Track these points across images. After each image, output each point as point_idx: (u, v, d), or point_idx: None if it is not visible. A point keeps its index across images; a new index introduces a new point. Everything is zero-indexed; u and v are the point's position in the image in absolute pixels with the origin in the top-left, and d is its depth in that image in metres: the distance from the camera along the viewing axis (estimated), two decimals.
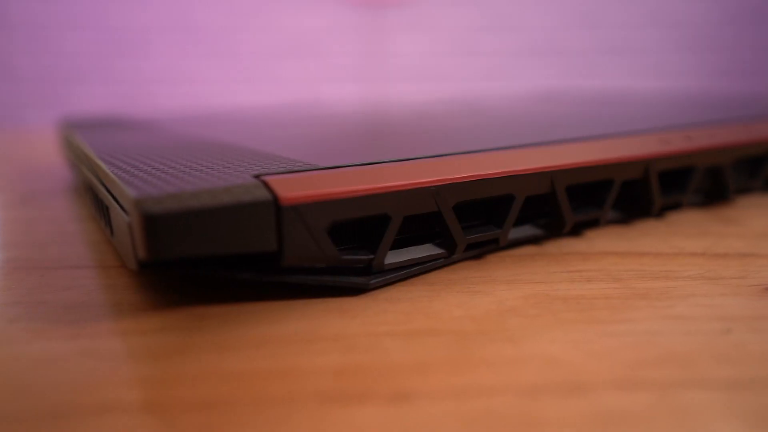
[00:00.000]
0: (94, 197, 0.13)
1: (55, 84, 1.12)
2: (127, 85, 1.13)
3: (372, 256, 0.09)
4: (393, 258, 0.10)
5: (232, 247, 0.08)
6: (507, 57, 1.14)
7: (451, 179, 0.10)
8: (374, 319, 0.09)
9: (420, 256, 0.10)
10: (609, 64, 1.12)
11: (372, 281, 0.10)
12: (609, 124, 0.15)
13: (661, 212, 0.14)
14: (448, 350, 0.08)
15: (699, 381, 0.07)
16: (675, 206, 0.14)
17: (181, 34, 1.13)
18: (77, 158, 0.16)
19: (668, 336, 0.08)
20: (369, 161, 0.10)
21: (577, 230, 0.13)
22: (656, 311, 0.09)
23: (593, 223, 0.13)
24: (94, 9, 1.10)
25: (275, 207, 0.08)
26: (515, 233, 0.11)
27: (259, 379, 0.07)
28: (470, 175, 0.10)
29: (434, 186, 0.10)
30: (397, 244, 0.10)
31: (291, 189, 0.09)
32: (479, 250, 0.11)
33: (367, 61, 1.14)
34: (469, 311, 0.09)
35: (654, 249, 0.12)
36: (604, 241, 0.12)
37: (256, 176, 0.09)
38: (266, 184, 0.09)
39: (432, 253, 0.10)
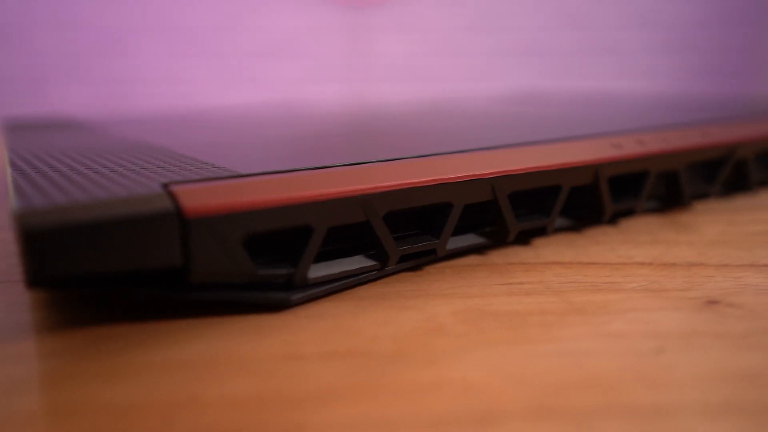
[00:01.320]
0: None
1: (32, 84, 1.09)
2: (105, 85, 1.11)
3: (294, 270, 0.09)
4: (318, 271, 0.09)
5: (131, 263, 0.08)
6: (492, 57, 1.14)
7: (380, 187, 0.09)
8: (289, 339, 0.08)
9: (348, 269, 0.10)
10: (594, 64, 1.13)
11: (293, 297, 0.09)
12: (564, 127, 0.14)
13: (614, 219, 0.14)
14: (359, 375, 0.07)
15: (620, 409, 0.06)
16: (629, 213, 0.14)
17: (162, 34, 1.11)
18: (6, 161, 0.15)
19: (597, 357, 0.08)
20: (295, 167, 0.09)
21: (524, 238, 0.12)
22: (590, 328, 0.08)
23: (543, 231, 0.12)
24: (72, 8, 1.08)
25: (179, 219, 0.08)
26: (455, 243, 0.11)
27: (140, 412, 0.07)
28: (402, 182, 0.10)
29: (362, 195, 0.09)
30: (327, 256, 0.10)
31: (200, 199, 0.08)
32: (417, 261, 0.11)
33: (352, 61, 1.13)
34: (394, 330, 0.08)
35: (601, 258, 0.11)
36: (551, 250, 0.12)
37: (166, 184, 0.08)
38: (172, 194, 0.08)
39: (362, 266, 0.10)
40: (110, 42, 1.11)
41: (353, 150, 0.11)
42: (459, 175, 0.10)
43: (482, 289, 0.10)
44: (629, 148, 0.13)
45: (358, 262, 0.10)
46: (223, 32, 1.12)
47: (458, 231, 0.11)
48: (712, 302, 0.09)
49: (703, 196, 0.15)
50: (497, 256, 0.11)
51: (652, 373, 0.07)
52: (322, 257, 0.10)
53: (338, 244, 0.10)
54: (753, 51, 1.12)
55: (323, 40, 1.13)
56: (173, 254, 0.08)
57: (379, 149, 0.11)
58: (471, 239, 0.11)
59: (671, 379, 0.07)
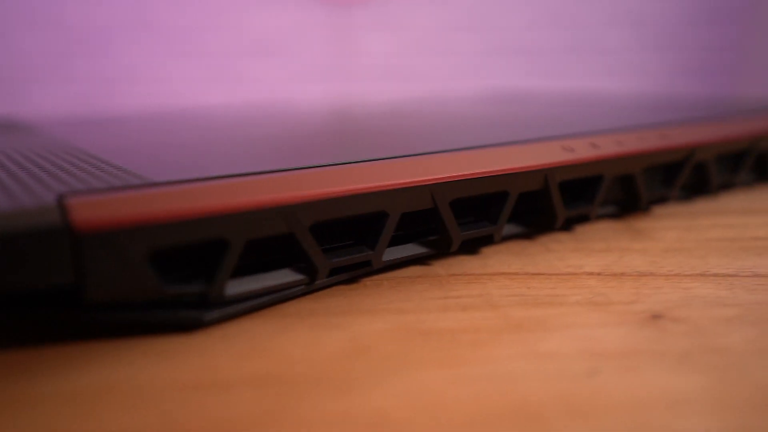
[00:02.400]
0: None
1: (11, 84, 1.07)
2: (88, 84, 1.09)
3: (208, 287, 0.08)
4: (237, 287, 0.09)
5: (20, 282, 0.07)
6: (478, 56, 1.14)
7: (305, 197, 0.09)
8: (197, 364, 0.08)
9: (272, 284, 0.09)
10: (579, 63, 1.13)
11: (207, 316, 0.08)
12: (520, 130, 0.14)
13: (567, 225, 0.13)
14: (269, 405, 0.07)
15: None
16: (584, 218, 0.13)
17: (144, 33, 1.10)
18: None
19: (526, 381, 0.07)
20: (214, 175, 0.09)
21: (473, 247, 0.12)
22: (524, 348, 0.08)
23: (491, 240, 0.12)
24: (53, 6, 1.06)
25: (70, 234, 0.07)
26: (394, 254, 0.10)
27: None
28: (329, 191, 0.09)
29: (285, 205, 0.09)
30: (254, 268, 0.09)
31: (96, 212, 0.07)
32: (352, 274, 0.10)
33: (336, 61, 1.12)
34: (315, 351, 0.08)
35: (549, 268, 0.11)
36: (499, 259, 0.11)
37: (61, 196, 0.08)
38: (64, 207, 0.07)
39: (288, 281, 0.09)
40: (93, 40, 1.09)
41: (287, 155, 0.10)
42: (394, 183, 0.10)
43: (418, 304, 0.09)
44: (582, 151, 0.12)
45: (283, 277, 0.09)
46: (207, 31, 1.11)
47: (401, 240, 0.11)
48: (656, 317, 0.09)
49: (661, 200, 0.14)
50: (441, 267, 0.11)
51: (584, 399, 0.07)
52: (249, 270, 0.09)
53: (268, 255, 0.09)
54: (737, 49, 1.14)
55: (308, 39, 1.12)
56: (64, 272, 0.07)
57: (314, 155, 0.10)
58: (411, 249, 0.11)
59: (603, 406, 0.06)
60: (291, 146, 0.12)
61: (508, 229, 0.12)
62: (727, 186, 0.16)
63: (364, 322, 0.09)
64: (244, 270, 0.09)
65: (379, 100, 0.27)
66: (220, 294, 0.08)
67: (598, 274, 0.10)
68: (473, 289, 0.10)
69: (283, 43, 1.12)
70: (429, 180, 0.10)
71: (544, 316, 0.09)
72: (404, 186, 0.10)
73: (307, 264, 0.09)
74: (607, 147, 0.13)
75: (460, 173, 0.10)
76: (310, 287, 0.09)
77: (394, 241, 0.11)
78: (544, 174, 0.11)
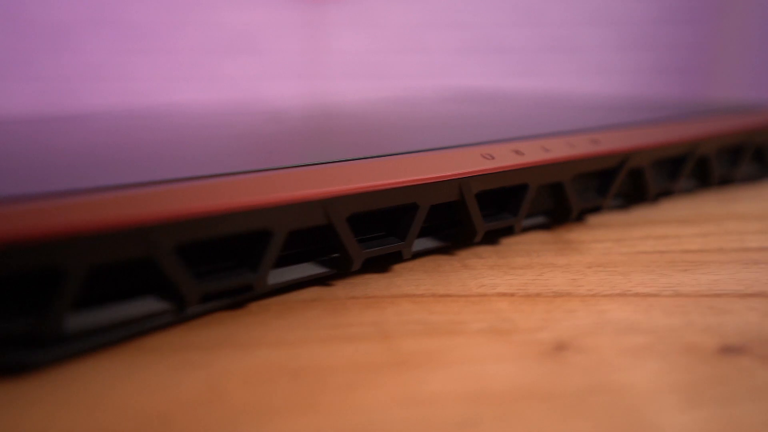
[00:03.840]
0: None
1: None
2: (52, 82, 1.06)
3: (41, 322, 0.07)
4: (80, 321, 0.07)
5: None
6: (452, 54, 1.13)
7: (164, 216, 0.08)
8: (9, 423, 0.06)
9: (127, 315, 0.08)
10: (552, 62, 1.13)
11: (37, 357, 0.07)
12: (445, 135, 0.13)
13: (492, 238, 0.12)
14: None
15: None
16: (508, 231, 0.12)
17: (112, 29, 1.06)
18: None
19: None
20: (61, 189, 0.07)
21: (384, 264, 0.11)
22: (402, 390, 0.07)
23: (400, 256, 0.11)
24: (9, 0, 1.02)
25: None
26: (284, 275, 0.09)
27: None
28: (196, 209, 0.08)
29: (138, 227, 0.07)
30: (114, 296, 0.08)
31: None
32: (235, 299, 0.09)
33: (309, 58, 1.11)
34: (157, 399, 0.07)
35: (459, 289, 0.10)
36: (409, 278, 0.10)
37: None
38: None
39: (148, 311, 0.08)
40: (56, 37, 1.06)
41: (162, 165, 0.09)
42: (278, 197, 0.08)
43: (301, 335, 0.08)
44: (503, 158, 0.11)
45: (141, 307, 0.08)
46: (177, 28, 1.08)
47: (303, 257, 0.10)
48: (559, 347, 0.08)
49: (596, 209, 0.14)
50: (342, 288, 0.10)
51: None
52: (102, 299, 0.08)
53: (126, 282, 0.08)
54: (710, 49, 1.15)
55: (280, 37, 1.10)
56: None
57: (188, 165, 0.09)
58: (305, 270, 0.09)
59: None
60: (167, 156, 0.11)
61: (422, 243, 0.11)
62: (667, 193, 0.15)
63: (231, 359, 0.08)
64: (95, 299, 0.08)
65: (305, 103, 0.26)
66: (57, 329, 0.07)
67: (512, 295, 0.10)
68: (369, 316, 0.09)
69: (255, 41, 1.10)
70: (320, 194, 0.09)
71: (437, 349, 0.08)
72: (290, 201, 0.09)
73: (173, 291, 0.08)
74: (532, 154, 0.12)
75: (356, 186, 0.09)
76: (179, 316, 0.08)
77: (294, 260, 0.10)
78: (458, 184, 0.11)
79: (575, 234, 0.13)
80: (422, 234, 0.11)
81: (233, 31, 1.09)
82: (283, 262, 0.10)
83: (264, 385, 0.07)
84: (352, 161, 0.10)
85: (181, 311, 0.08)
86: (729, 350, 0.08)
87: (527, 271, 0.11)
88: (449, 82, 1.13)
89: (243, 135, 0.13)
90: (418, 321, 0.09)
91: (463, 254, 0.12)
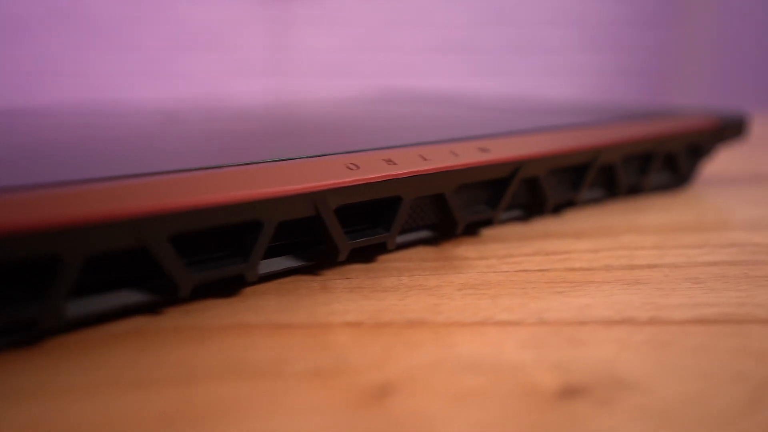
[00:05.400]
0: None
1: None
2: (8, 78, 1.01)
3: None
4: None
5: None
6: (418, 53, 1.12)
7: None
8: None
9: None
10: (517, 62, 1.14)
11: None
12: (303, 145, 0.12)
13: (368, 255, 0.11)
14: None
15: None
16: (382, 248, 0.11)
17: (73, 24, 1.02)
18: None
19: None
20: None
21: (234, 288, 0.10)
22: None
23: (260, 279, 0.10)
24: None
25: None
26: (88, 306, 0.08)
27: None
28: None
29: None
30: None
31: None
32: (25, 335, 0.08)
33: (274, 56, 1.08)
34: None
35: (305, 318, 0.09)
36: (253, 304, 0.09)
37: None
38: None
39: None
40: (9, 30, 1.01)
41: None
42: (81, 216, 0.07)
43: (92, 379, 0.07)
44: (370, 169, 0.10)
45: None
46: (139, 23, 1.05)
47: (91, 290, 0.09)
48: (384, 393, 0.07)
49: (487, 222, 0.13)
50: (172, 317, 0.09)
51: None
52: None
53: None
54: (672, 52, 1.17)
55: (245, 34, 1.08)
56: None
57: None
58: (121, 298, 0.08)
59: None
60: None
61: (275, 264, 0.10)
62: (570, 204, 0.15)
63: None
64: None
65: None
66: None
67: (359, 325, 0.09)
68: (183, 353, 0.08)
69: (221, 37, 1.07)
70: (136, 213, 0.08)
71: (243, 397, 0.07)
72: (92, 222, 0.07)
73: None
74: (406, 164, 0.11)
75: (178, 202, 0.08)
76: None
77: (106, 286, 0.09)
78: (313, 198, 0.10)
79: (462, 249, 0.12)
80: (282, 252, 0.10)
81: (196, 27, 1.06)
82: (91, 289, 0.08)
83: None
84: (184, 173, 0.08)
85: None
86: (568, 393, 0.07)
87: (390, 294, 0.10)
88: (415, 81, 1.12)
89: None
90: (237, 360, 0.08)
91: (330, 274, 0.10)
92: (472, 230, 0.13)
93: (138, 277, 0.09)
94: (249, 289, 0.10)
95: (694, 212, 0.15)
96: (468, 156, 0.12)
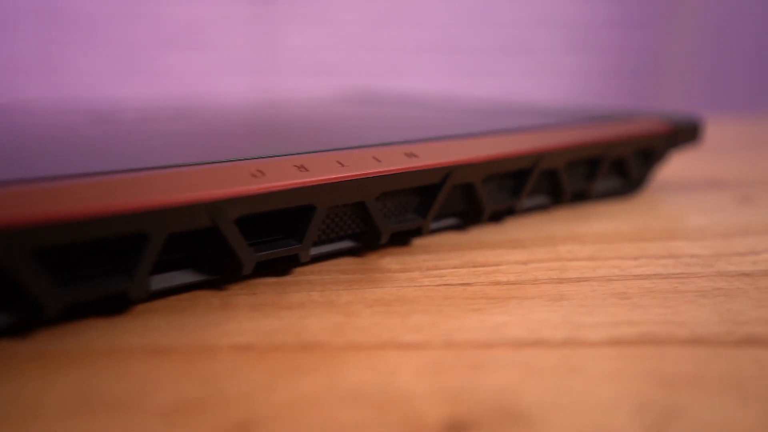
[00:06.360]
0: None
1: None
2: None
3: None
4: None
5: None
6: (403, 53, 1.11)
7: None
8: None
9: None
10: (504, 62, 1.13)
11: None
12: (212, 150, 0.11)
13: (283, 268, 0.10)
14: None
15: None
16: (293, 261, 0.11)
17: (49, 20, 1.00)
18: None
19: None
20: None
21: (119, 308, 0.09)
22: None
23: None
24: None
25: None
26: None
27: None
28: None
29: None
30: None
31: None
32: None
33: (258, 54, 1.07)
34: None
35: (192, 341, 0.08)
36: (138, 324, 0.08)
37: None
38: None
39: None
40: None
41: None
42: None
43: None
44: (277, 176, 0.10)
45: None
46: (120, 20, 1.03)
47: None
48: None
49: (417, 232, 0.12)
50: (42, 340, 0.08)
51: None
52: None
53: None
54: (657, 53, 1.18)
55: (229, 32, 1.06)
56: None
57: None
58: None
59: None
60: None
61: (173, 278, 0.09)
62: (510, 212, 0.14)
63: None
64: None
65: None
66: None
67: (248, 348, 0.08)
68: (36, 384, 0.07)
69: (204, 35, 1.05)
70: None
71: None
72: None
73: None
74: (320, 170, 0.10)
75: (39, 213, 0.07)
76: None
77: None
78: (208, 209, 0.09)
79: (387, 261, 0.11)
80: (189, 264, 0.10)
81: (179, 24, 1.04)
82: None
83: None
84: (57, 180, 0.08)
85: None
86: (454, 429, 0.06)
87: (294, 312, 0.09)
88: (401, 81, 1.12)
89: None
90: (96, 392, 0.07)
91: (236, 289, 0.10)
92: (403, 239, 0.12)
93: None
94: (141, 307, 0.09)
95: (640, 220, 0.14)
96: (392, 162, 0.11)
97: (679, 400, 0.07)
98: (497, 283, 0.10)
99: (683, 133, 0.18)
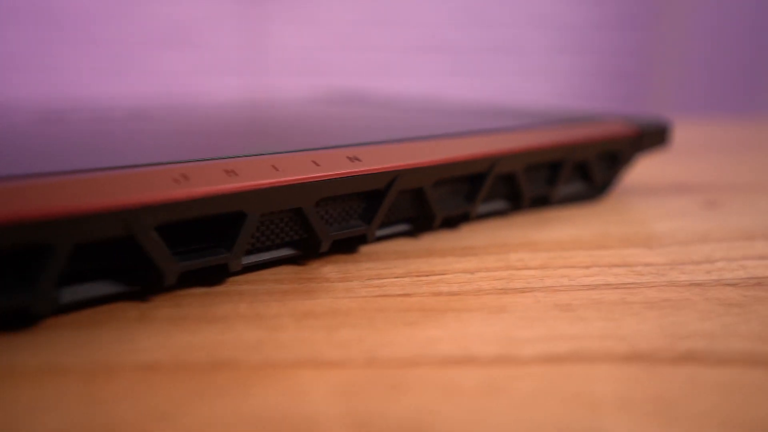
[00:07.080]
0: None
1: None
2: None
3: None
4: None
5: None
6: (394, 53, 1.11)
7: None
8: None
9: None
10: (495, 63, 1.13)
11: None
12: (129, 154, 0.11)
13: (217, 278, 0.10)
14: None
15: None
16: (223, 271, 0.10)
17: (33, 17, 0.98)
18: None
19: None
20: None
21: (26, 321, 0.08)
22: None
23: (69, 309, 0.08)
24: None
25: None
26: None
27: None
28: None
29: None
30: None
31: None
32: None
33: (247, 54, 1.06)
34: None
35: (95, 359, 0.07)
36: (46, 339, 0.08)
37: None
38: None
39: None
40: None
41: None
42: None
43: None
44: (201, 181, 0.09)
45: None
46: (107, 19, 1.01)
47: None
48: None
49: (362, 240, 0.12)
50: None
51: None
52: None
53: None
54: (647, 55, 1.18)
55: (217, 31, 1.05)
56: None
57: None
58: None
59: None
60: None
61: (86, 290, 0.09)
62: (464, 217, 0.14)
63: None
64: None
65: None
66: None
67: (154, 367, 0.07)
68: None
69: (192, 34, 1.04)
70: None
71: None
72: None
73: None
74: (251, 175, 0.10)
75: None
76: None
77: None
78: (121, 217, 0.08)
79: (328, 269, 0.11)
80: (104, 276, 0.09)
81: (167, 23, 1.03)
82: None
83: None
84: None
85: None
86: None
87: (215, 326, 0.08)
88: (391, 81, 1.11)
89: None
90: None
91: (159, 300, 0.09)
92: (350, 247, 0.12)
93: None
94: (50, 321, 0.08)
95: (600, 226, 0.14)
96: (332, 166, 0.11)
97: (603, 425, 0.06)
98: (438, 294, 0.10)
99: (650, 137, 0.17)
